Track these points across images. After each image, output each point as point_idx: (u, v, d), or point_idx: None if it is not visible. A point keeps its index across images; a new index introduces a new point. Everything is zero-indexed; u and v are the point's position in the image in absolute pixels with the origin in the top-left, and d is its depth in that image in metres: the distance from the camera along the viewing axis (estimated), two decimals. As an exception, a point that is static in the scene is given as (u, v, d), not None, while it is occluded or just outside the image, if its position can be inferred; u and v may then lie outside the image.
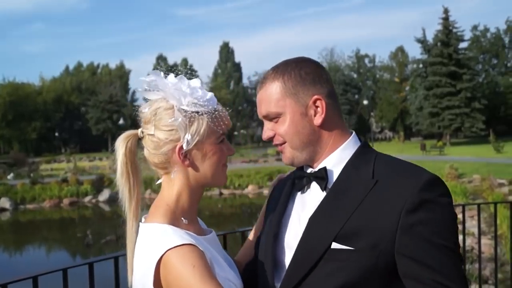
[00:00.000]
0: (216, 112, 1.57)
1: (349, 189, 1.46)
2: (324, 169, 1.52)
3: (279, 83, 1.52)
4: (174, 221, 1.55)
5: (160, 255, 1.43)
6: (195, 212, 1.68)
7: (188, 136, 1.53)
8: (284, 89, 1.51)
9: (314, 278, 1.43)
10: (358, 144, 1.59)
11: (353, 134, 1.60)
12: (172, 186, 1.63)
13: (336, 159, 1.54)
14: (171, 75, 1.61)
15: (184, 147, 1.54)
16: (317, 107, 1.51)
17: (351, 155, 1.54)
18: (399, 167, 1.49)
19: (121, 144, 1.71)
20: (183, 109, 1.54)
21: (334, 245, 1.41)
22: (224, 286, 1.43)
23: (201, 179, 1.61)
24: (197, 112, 1.55)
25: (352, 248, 1.39)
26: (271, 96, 1.52)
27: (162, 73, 1.61)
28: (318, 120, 1.51)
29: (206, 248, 1.51)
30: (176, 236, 1.46)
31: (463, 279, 1.39)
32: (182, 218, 1.58)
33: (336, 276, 1.40)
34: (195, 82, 1.61)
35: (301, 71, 1.51)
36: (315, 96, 1.50)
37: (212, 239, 1.65)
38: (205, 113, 1.55)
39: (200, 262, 1.40)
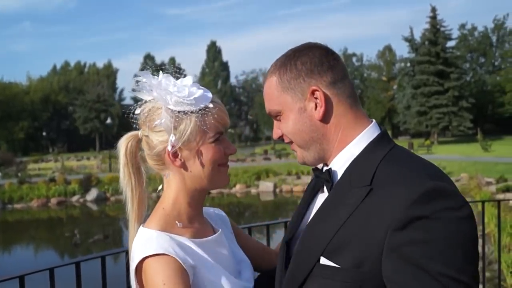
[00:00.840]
0: (207, 110, 1.52)
1: (345, 196, 1.29)
2: (329, 170, 1.37)
3: (276, 77, 1.40)
4: (166, 226, 1.53)
5: (138, 261, 1.44)
6: (196, 215, 1.63)
7: (172, 137, 1.50)
8: (281, 84, 1.38)
9: None
10: (375, 135, 1.36)
11: (370, 125, 1.38)
12: (169, 189, 1.62)
13: (347, 156, 1.36)
14: (161, 75, 1.56)
15: (168, 148, 1.51)
16: (316, 99, 1.34)
17: (360, 150, 1.35)
18: (402, 172, 1.24)
19: (121, 146, 1.68)
20: (170, 109, 1.51)
21: (322, 260, 1.27)
22: None
23: (196, 180, 1.56)
24: (184, 112, 1.50)
25: (337, 266, 1.24)
26: (271, 93, 1.43)
27: (150, 73, 1.57)
28: (318, 114, 1.34)
29: (192, 254, 1.49)
30: (157, 244, 1.44)
31: None
32: (176, 222, 1.55)
33: None
34: (186, 80, 1.56)
35: (297, 61, 1.36)
36: (312, 88, 1.33)
37: (215, 240, 1.61)
38: (194, 112, 1.51)
39: (171, 275, 1.38)
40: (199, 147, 1.52)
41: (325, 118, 1.34)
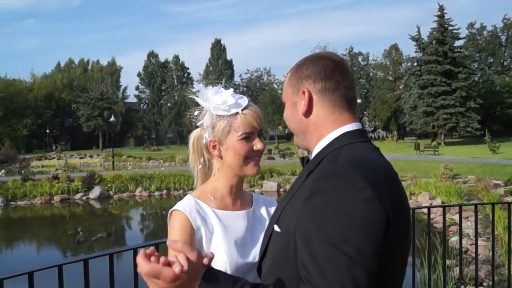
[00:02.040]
0: (237, 115, 1.96)
1: (300, 178, 1.56)
2: (302, 159, 1.69)
3: (289, 74, 1.68)
4: (200, 195, 2.01)
5: (170, 212, 1.94)
6: (231, 193, 2.05)
7: (206, 134, 2.01)
8: (289, 81, 1.66)
9: (266, 255, 1.59)
10: (346, 137, 1.55)
11: (345, 126, 1.57)
12: (214, 171, 2.08)
13: (318, 149, 1.59)
14: (210, 88, 2.04)
15: (203, 141, 2.05)
16: (304, 98, 1.59)
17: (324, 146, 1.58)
18: (333, 159, 1.45)
19: (190, 138, 2.18)
20: (211, 113, 2.00)
21: (275, 227, 1.54)
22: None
23: (230, 167, 2.01)
24: (220, 116, 1.98)
25: (279, 230, 1.51)
26: (284, 86, 1.71)
27: (204, 86, 2.05)
28: (301, 110, 1.59)
29: (206, 218, 1.94)
30: (182, 204, 1.93)
31: (337, 280, 1.24)
32: (209, 195, 2.01)
33: (271, 254, 1.56)
34: (226, 91, 2.02)
35: (303, 66, 1.62)
36: (303, 89, 1.59)
37: (237, 215, 2.03)
38: (227, 116, 1.97)
39: (180, 224, 1.88)
40: (231, 143, 1.97)
41: (307, 115, 1.59)
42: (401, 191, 1.45)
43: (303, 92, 1.58)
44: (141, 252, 1.33)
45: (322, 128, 1.58)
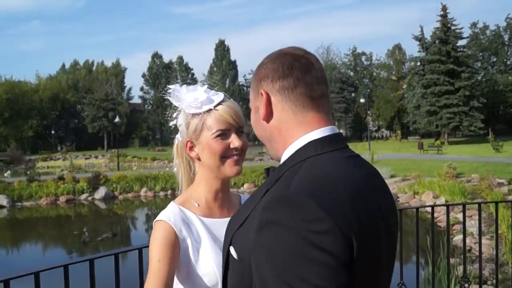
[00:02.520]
0: (210, 111, 1.86)
1: (257, 194, 1.40)
2: (267, 169, 1.49)
3: (252, 78, 1.53)
4: (185, 202, 1.91)
5: (154, 222, 1.83)
6: (216, 199, 1.94)
7: (178, 135, 1.96)
8: (251, 85, 1.51)
9: (227, 281, 1.48)
10: (311, 147, 1.35)
11: (311, 132, 1.37)
12: (197, 174, 1.97)
13: (282, 161, 1.43)
14: (184, 86, 1.96)
15: (175, 141, 2.00)
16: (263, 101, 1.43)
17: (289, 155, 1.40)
18: (289, 179, 1.26)
19: (174, 140, 2.06)
20: (185, 113, 1.92)
21: (231, 249, 1.41)
22: (194, 266, 1.79)
23: (209, 169, 1.89)
24: (193, 114, 1.88)
25: (234, 256, 1.39)
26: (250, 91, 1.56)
27: (180, 85, 1.97)
28: (262, 115, 1.43)
29: (191, 227, 1.83)
30: (165, 213, 1.83)
31: None
32: (193, 201, 1.91)
33: (230, 280, 1.45)
34: (198, 88, 1.92)
35: (262, 66, 1.46)
36: (260, 90, 1.42)
37: (224, 223, 1.72)
38: (199, 114, 1.87)
39: (163, 236, 1.76)
40: (205, 141, 1.85)
41: (268, 120, 1.43)
42: (377, 205, 1.27)
43: (261, 94, 1.42)
44: None
45: (286, 134, 1.40)
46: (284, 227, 1.14)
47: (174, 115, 2.02)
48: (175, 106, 1.99)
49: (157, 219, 1.82)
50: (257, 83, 1.45)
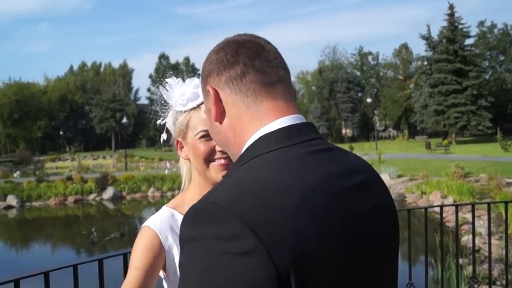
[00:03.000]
0: (196, 108, 1.71)
1: None
2: None
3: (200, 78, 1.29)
4: (178, 206, 1.78)
5: (142, 225, 1.73)
6: None
7: (164, 134, 1.82)
8: (201, 85, 1.28)
9: None
10: (261, 143, 1.10)
11: (262, 129, 1.12)
12: (192, 177, 1.84)
13: None
14: (175, 79, 1.80)
15: (160, 140, 1.85)
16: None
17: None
18: (220, 187, 1.01)
19: (161, 139, 1.95)
20: (174, 110, 1.78)
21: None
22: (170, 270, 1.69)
23: (198, 171, 1.75)
24: (180, 111, 1.75)
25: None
26: None
27: (173, 80, 1.80)
28: (213, 116, 1.19)
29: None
30: (153, 219, 1.71)
31: None
32: (185, 206, 1.73)
33: None
34: (190, 83, 1.75)
35: (206, 62, 1.23)
36: (207, 87, 1.19)
37: None
38: (185, 111, 1.73)
39: (144, 243, 1.65)
40: (191, 142, 1.72)
41: (221, 120, 1.18)
42: (351, 209, 1.02)
43: (208, 91, 1.18)
44: None
45: (240, 133, 1.16)
46: (198, 245, 0.92)
47: (160, 112, 1.89)
48: (165, 102, 1.84)
49: (144, 224, 1.70)
50: (203, 81, 1.22)
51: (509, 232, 12.74)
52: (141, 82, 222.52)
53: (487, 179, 23.61)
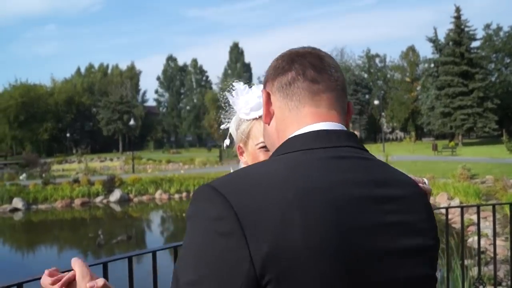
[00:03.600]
0: (260, 120, 1.70)
1: None
2: None
3: None
4: None
5: None
6: None
7: (227, 140, 1.89)
8: None
9: None
10: (290, 144, 1.16)
11: (298, 131, 1.18)
12: None
13: None
14: (242, 85, 1.83)
15: (223, 146, 1.93)
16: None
17: None
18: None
19: (224, 144, 2.01)
20: (238, 116, 1.82)
21: None
22: None
23: None
24: (242, 119, 1.79)
25: None
26: None
27: (240, 86, 1.83)
28: (263, 116, 1.28)
29: None
30: None
31: None
32: None
33: None
34: (252, 90, 1.79)
35: (267, 69, 1.31)
36: (262, 91, 1.28)
37: None
38: (248, 120, 1.76)
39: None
40: (251, 150, 1.75)
41: (269, 121, 1.26)
42: (359, 220, 1.01)
43: (262, 94, 1.28)
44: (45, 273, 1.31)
45: (281, 136, 1.21)
46: (191, 223, 1.01)
47: (224, 118, 1.92)
48: (229, 107, 1.88)
49: None
50: (263, 85, 1.31)
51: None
52: (148, 84, 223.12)
53: (493, 181, 23.59)
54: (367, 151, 1.18)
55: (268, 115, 1.25)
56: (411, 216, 1.12)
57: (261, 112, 1.63)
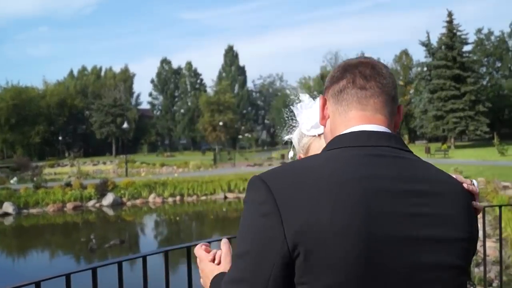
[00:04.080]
0: (320, 137, 1.77)
1: None
2: None
3: None
4: None
5: None
6: None
7: (291, 152, 1.95)
8: None
9: None
10: (332, 143, 1.33)
11: (346, 131, 1.33)
12: None
13: None
14: (308, 99, 1.91)
15: (288, 156, 1.96)
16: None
17: None
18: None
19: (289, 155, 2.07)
20: (300, 129, 1.89)
21: None
22: None
23: None
24: (304, 134, 1.86)
25: None
26: None
27: (306, 99, 1.91)
28: (319, 119, 1.46)
29: None
30: None
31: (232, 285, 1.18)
32: None
33: None
34: (314, 105, 1.83)
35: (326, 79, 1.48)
36: (320, 96, 1.48)
37: None
38: (308, 136, 1.84)
39: None
40: None
41: (324, 124, 1.44)
42: (386, 212, 1.14)
43: (320, 99, 1.45)
44: (198, 245, 1.56)
45: (333, 135, 1.36)
46: (245, 206, 1.21)
47: (288, 129, 1.99)
48: (295, 118, 1.95)
49: None
50: (323, 93, 1.46)
51: (504, 235, 12.84)
52: (142, 87, 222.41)
53: (484, 183, 23.74)
54: (409, 152, 1.31)
55: (324, 118, 1.43)
56: (443, 210, 1.22)
57: (321, 130, 1.75)
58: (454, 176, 1.35)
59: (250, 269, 1.14)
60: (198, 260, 1.53)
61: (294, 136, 1.92)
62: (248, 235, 1.17)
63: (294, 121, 1.95)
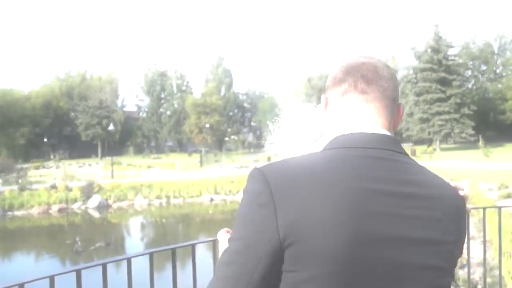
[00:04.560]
0: None
1: None
2: None
3: None
4: None
5: None
6: None
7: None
8: None
9: None
10: (331, 143, 1.37)
11: (346, 132, 1.36)
12: None
13: None
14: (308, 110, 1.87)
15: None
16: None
17: None
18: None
19: None
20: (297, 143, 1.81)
21: None
22: None
23: None
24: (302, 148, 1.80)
25: None
26: None
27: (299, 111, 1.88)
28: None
29: None
30: None
31: (221, 269, 1.24)
32: None
33: None
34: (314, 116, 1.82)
35: (328, 76, 1.51)
36: (323, 95, 1.51)
37: None
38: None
39: None
40: None
41: (327, 123, 1.47)
42: (377, 213, 1.18)
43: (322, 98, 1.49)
44: (223, 230, 1.62)
45: (330, 135, 1.41)
46: (243, 196, 1.27)
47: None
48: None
49: None
50: (325, 91, 1.50)
51: (489, 237, 12.92)
52: (128, 89, 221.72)
53: (469, 185, 23.84)
54: (407, 155, 1.35)
55: (325, 117, 1.47)
56: (434, 213, 1.26)
57: (320, 145, 1.71)
58: (448, 181, 1.39)
59: (242, 253, 1.20)
60: (219, 244, 1.57)
61: (287, 149, 1.86)
62: (243, 222, 1.23)
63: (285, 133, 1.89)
